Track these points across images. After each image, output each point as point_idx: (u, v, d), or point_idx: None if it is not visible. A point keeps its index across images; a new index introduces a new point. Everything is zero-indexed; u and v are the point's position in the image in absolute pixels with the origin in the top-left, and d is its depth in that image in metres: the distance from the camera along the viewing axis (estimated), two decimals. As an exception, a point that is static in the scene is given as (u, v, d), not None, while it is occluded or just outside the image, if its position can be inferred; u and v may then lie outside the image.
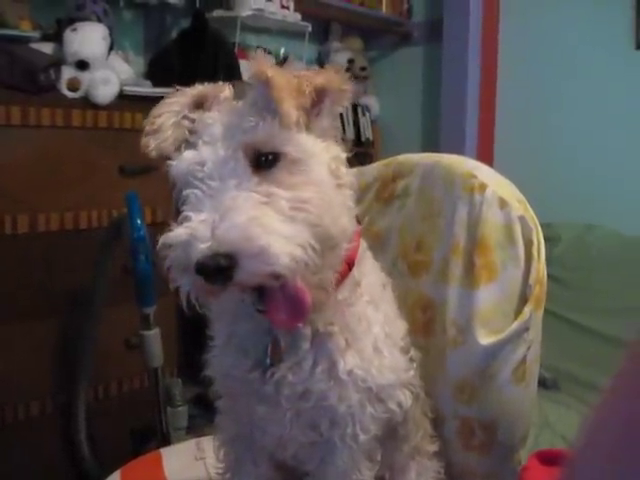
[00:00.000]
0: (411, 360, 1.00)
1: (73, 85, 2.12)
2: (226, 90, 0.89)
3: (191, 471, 1.32)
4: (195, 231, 0.72)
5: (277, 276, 0.73)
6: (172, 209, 0.83)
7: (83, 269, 2.09)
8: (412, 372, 0.99)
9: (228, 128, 0.80)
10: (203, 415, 2.63)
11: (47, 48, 2.21)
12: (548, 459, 1.04)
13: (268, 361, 0.89)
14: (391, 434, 1.01)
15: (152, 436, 2.06)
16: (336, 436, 0.91)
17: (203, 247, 0.70)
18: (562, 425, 2.15)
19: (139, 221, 1.86)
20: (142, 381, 2.29)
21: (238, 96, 0.90)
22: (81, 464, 2.15)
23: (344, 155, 0.88)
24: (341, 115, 3.41)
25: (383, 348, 0.92)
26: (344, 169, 0.87)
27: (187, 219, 0.74)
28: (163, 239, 0.75)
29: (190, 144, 0.82)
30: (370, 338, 0.92)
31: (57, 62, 2.13)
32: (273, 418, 0.91)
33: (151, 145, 0.84)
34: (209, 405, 2.72)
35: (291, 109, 0.77)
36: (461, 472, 1.16)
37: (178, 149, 0.83)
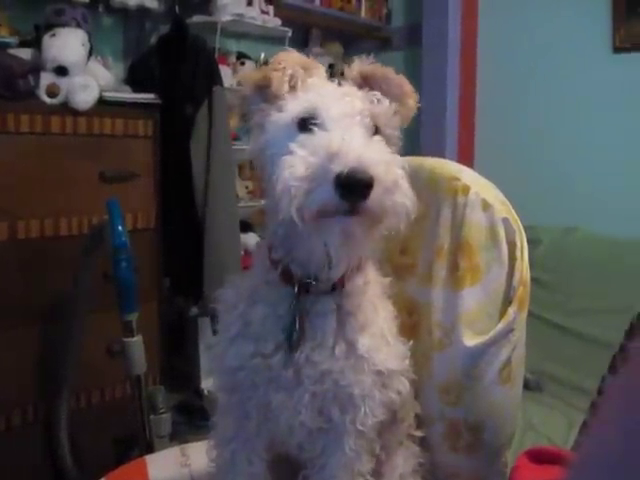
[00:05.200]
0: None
1: (52, 91, 2.10)
2: (323, 69, 0.97)
3: (176, 478, 1.31)
4: (343, 147, 0.76)
5: (390, 214, 0.79)
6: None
7: (64, 276, 2.07)
8: (407, 361, 1.03)
9: (346, 93, 0.90)
10: (186, 422, 2.63)
11: (25, 54, 2.19)
12: (538, 457, 1.04)
13: (296, 336, 0.92)
14: (392, 419, 1.05)
15: (135, 444, 2.05)
16: (347, 420, 0.95)
17: (354, 161, 0.74)
18: (546, 426, 2.16)
19: (120, 227, 1.84)
20: (124, 389, 2.27)
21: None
22: (64, 473, 2.13)
23: None
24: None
25: (388, 336, 0.98)
26: None
27: (323, 140, 0.79)
28: (306, 148, 0.80)
29: (298, 95, 0.90)
30: (378, 326, 0.97)
31: (36, 68, 2.11)
32: (288, 405, 0.94)
33: (277, 80, 0.89)
34: (192, 412, 2.70)
35: (415, 105, 0.94)
36: (448, 474, 1.16)
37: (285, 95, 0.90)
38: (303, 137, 0.83)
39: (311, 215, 0.77)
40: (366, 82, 0.94)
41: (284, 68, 0.90)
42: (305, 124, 0.86)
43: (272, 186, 0.81)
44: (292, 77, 0.91)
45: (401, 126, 0.95)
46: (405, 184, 0.80)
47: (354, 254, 0.89)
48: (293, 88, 0.90)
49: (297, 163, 0.78)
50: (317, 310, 0.93)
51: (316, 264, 0.89)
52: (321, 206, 0.76)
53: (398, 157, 0.85)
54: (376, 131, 0.89)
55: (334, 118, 0.84)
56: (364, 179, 0.74)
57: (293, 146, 0.81)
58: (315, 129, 0.83)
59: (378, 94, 0.91)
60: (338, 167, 0.74)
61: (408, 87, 0.95)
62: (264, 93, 0.92)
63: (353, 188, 0.74)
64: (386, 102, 0.91)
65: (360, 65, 0.96)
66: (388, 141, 0.90)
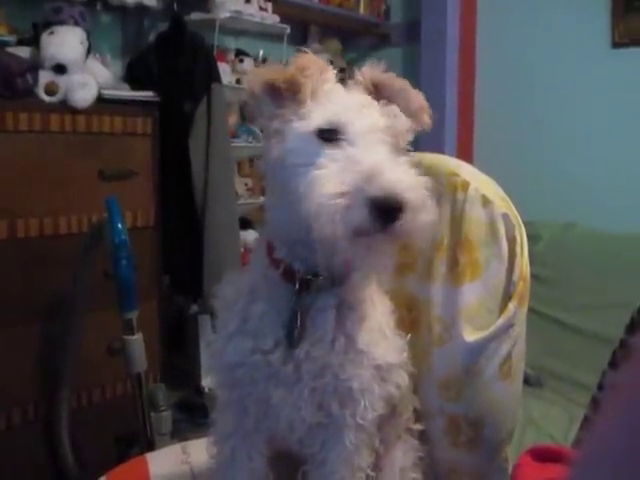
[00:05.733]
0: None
1: (51, 89, 2.10)
2: (332, 72, 0.95)
3: (177, 475, 1.31)
4: (377, 169, 0.77)
5: (416, 233, 0.80)
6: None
7: (63, 275, 2.07)
8: (405, 354, 1.02)
9: (365, 105, 0.89)
10: (187, 420, 2.63)
11: (24, 52, 2.18)
12: (541, 456, 1.04)
13: (297, 333, 0.92)
14: (390, 412, 1.04)
15: (136, 442, 2.05)
16: (347, 414, 0.95)
17: (390, 185, 0.76)
18: (546, 421, 2.16)
19: (120, 225, 1.84)
20: (125, 387, 2.27)
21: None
22: (65, 472, 2.13)
23: None
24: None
25: (386, 330, 0.99)
26: None
27: (352, 160, 0.80)
28: (337, 159, 0.80)
29: (316, 100, 0.89)
30: (377, 320, 0.98)
31: (34, 66, 2.10)
32: (288, 401, 0.94)
33: (305, 87, 0.88)
34: (193, 410, 2.70)
35: (428, 121, 0.93)
36: (448, 470, 1.16)
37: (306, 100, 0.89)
38: (331, 151, 0.82)
39: (347, 234, 0.78)
40: (377, 90, 0.93)
41: (312, 74, 0.88)
42: (327, 135, 0.85)
43: (293, 197, 0.82)
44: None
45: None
46: (430, 204, 0.81)
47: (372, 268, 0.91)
48: (313, 94, 0.89)
49: (331, 180, 0.78)
50: (318, 306, 0.94)
51: (325, 269, 0.89)
52: (356, 226, 0.77)
53: (422, 177, 0.84)
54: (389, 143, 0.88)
55: (360, 134, 0.84)
56: (399, 204, 0.76)
57: (324, 161, 0.81)
58: (344, 143, 0.83)
59: (396, 109, 0.90)
60: (374, 190, 0.75)
61: (424, 102, 0.94)
62: (275, 95, 0.89)
63: (388, 211, 0.76)
64: (403, 118, 0.90)
65: (372, 72, 0.94)
66: (399, 149, 0.90)
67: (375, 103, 0.91)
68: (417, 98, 0.93)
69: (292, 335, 0.92)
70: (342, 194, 0.77)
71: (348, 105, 0.88)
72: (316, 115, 0.87)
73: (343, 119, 0.85)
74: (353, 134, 0.84)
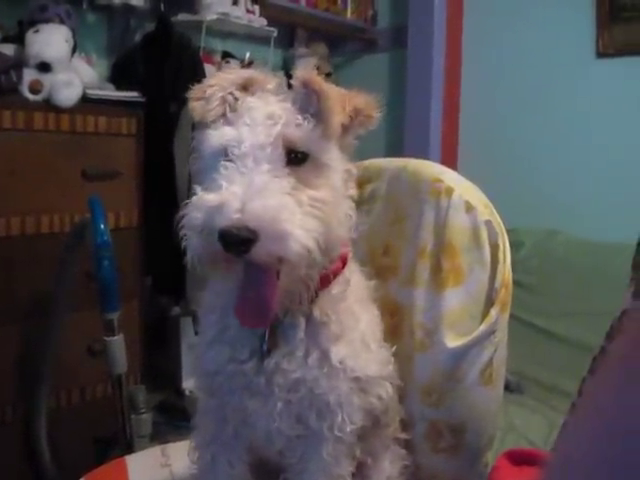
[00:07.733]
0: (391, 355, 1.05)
1: (35, 87, 2.08)
2: (272, 82, 0.93)
3: (156, 478, 1.31)
4: (227, 200, 0.76)
5: (286, 261, 0.79)
6: (193, 178, 0.90)
7: (45, 274, 2.05)
8: (391, 366, 1.03)
9: (271, 117, 0.85)
10: (167, 422, 2.61)
11: (8, 50, 2.16)
12: (517, 459, 1.04)
13: (265, 347, 0.92)
14: (374, 424, 1.04)
15: (115, 444, 2.03)
16: (324, 427, 0.94)
17: (232, 216, 0.75)
18: (527, 428, 2.17)
19: (103, 226, 1.83)
20: (105, 388, 2.26)
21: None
22: (43, 474, 2.11)
23: (355, 171, 0.95)
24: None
25: (369, 342, 0.98)
26: (352, 183, 0.95)
27: (219, 188, 0.79)
28: (193, 201, 0.81)
29: (228, 120, 0.88)
30: (358, 332, 0.96)
31: (18, 64, 2.09)
32: (263, 412, 0.94)
33: (198, 110, 0.89)
34: (173, 412, 2.69)
35: (339, 123, 0.86)
36: (429, 476, 1.16)
37: (216, 121, 0.88)
38: (215, 175, 0.82)
39: (205, 262, 0.81)
40: (310, 92, 0.88)
41: (209, 96, 0.88)
42: (225, 158, 0.84)
43: None
44: (223, 100, 0.89)
45: (338, 140, 0.90)
46: (298, 231, 0.78)
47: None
48: (229, 110, 0.88)
49: (193, 210, 0.80)
50: (288, 320, 0.93)
51: None
52: (211, 256, 0.79)
53: (299, 197, 0.81)
54: (303, 156, 0.85)
55: (241, 155, 0.82)
56: (240, 235, 0.75)
57: (198, 189, 0.83)
58: (221, 169, 0.82)
59: (300, 117, 0.86)
60: (220, 221, 0.76)
61: (332, 104, 0.85)
62: None
63: (234, 242, 0.76)
64: (308, 126, 0.85)
65: (302, 75, 0.89)
66: (317, 166, 0.86)
67: (286, 112, 0.86)
68: (325, 98, 0.86)
69: (262, 347, 0.93)
70: (197, 227, 0.79)
71: (248, 120, 0.85)
72: (213, 137, 0.87)
73: (230, 141, 0.85)
74: (235, 157, 0.83)
